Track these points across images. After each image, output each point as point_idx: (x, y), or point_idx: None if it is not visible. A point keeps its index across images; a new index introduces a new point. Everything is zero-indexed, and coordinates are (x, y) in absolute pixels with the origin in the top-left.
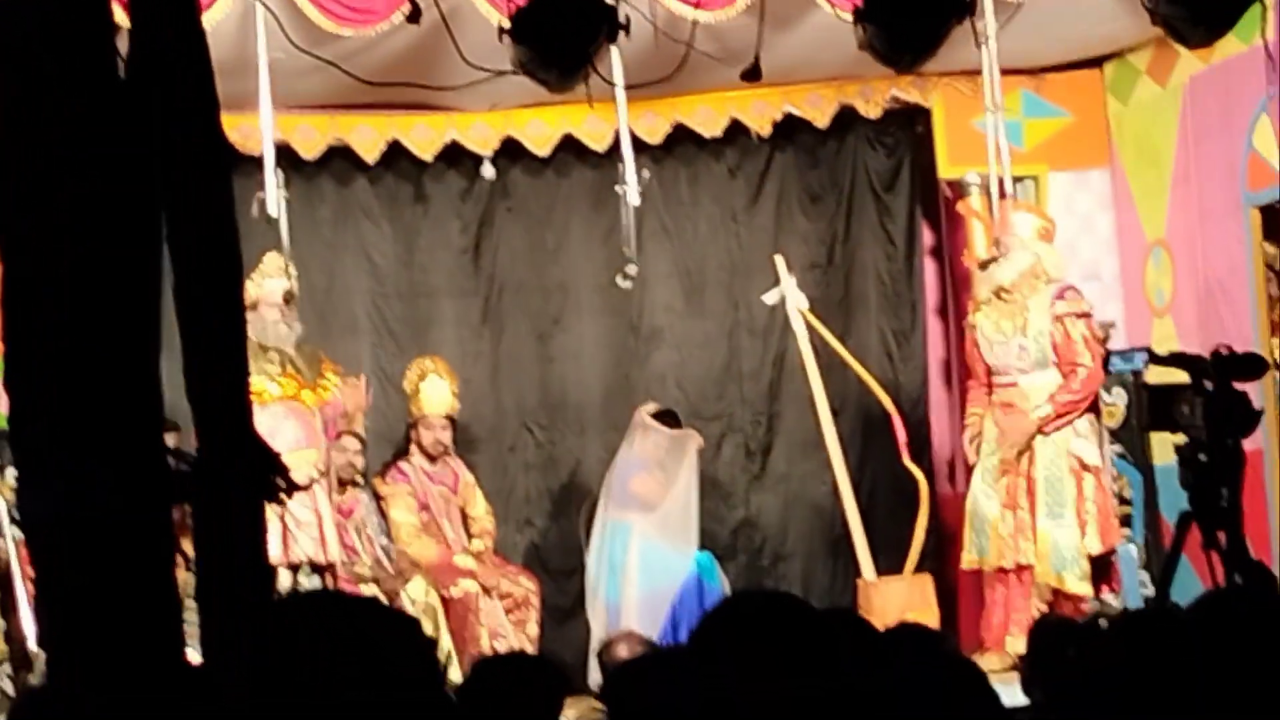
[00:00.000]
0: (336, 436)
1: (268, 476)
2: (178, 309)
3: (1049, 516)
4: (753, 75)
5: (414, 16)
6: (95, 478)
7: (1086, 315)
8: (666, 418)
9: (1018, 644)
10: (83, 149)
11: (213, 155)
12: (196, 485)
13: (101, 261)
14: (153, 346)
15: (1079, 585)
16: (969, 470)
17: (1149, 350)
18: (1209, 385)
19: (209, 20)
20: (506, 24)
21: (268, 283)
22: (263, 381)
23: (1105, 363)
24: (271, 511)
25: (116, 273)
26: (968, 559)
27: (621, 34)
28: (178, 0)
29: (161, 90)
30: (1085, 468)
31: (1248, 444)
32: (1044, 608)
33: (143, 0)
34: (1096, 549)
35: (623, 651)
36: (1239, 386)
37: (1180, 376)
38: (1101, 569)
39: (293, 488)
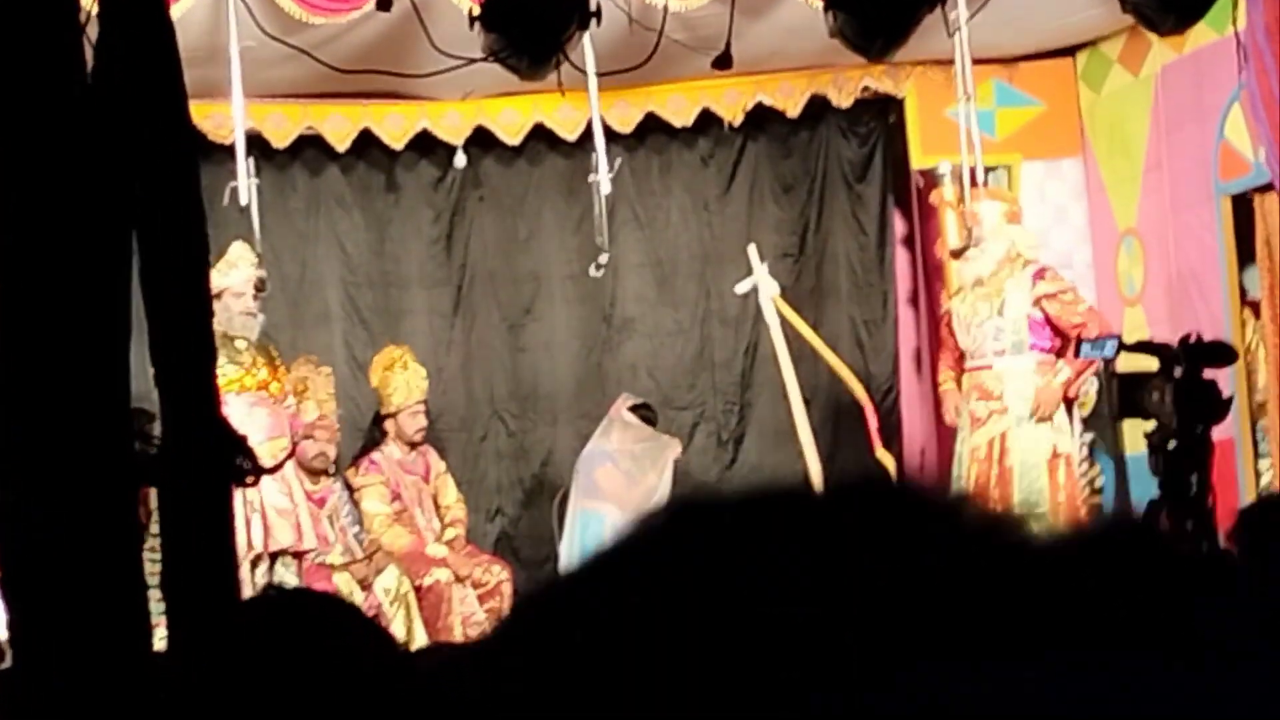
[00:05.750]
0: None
1: (235, 461)
2: (145, 296)
3: (1023, 506)
4: (724, 63)
5: (385, 4)
6: (61, 464)
7: (1071, 289)
8: (643, 410)
9: None
10: (47, 138)
11: (180, 143)
12: (162, 470)
13: (69, 248)
14: (122, 333)
15: None
16: (942, 450)
17: (1119, 338)
18: (1179, 373)
19: (180, 8)
20: (477, 11)
21: (234, 272)
22: (235, 371)
23: (1077, 349)
24: (252, 500)
25: (84, 260)
26: None
27: (593, 22)
28: None
29: (128, 79)
30: (1058, 455)
31: (1219, 433)
32: None
33: None
34: None
35: None
36: (1208, 374)
37: (1150, 364)
38: None
39: (260, 472)
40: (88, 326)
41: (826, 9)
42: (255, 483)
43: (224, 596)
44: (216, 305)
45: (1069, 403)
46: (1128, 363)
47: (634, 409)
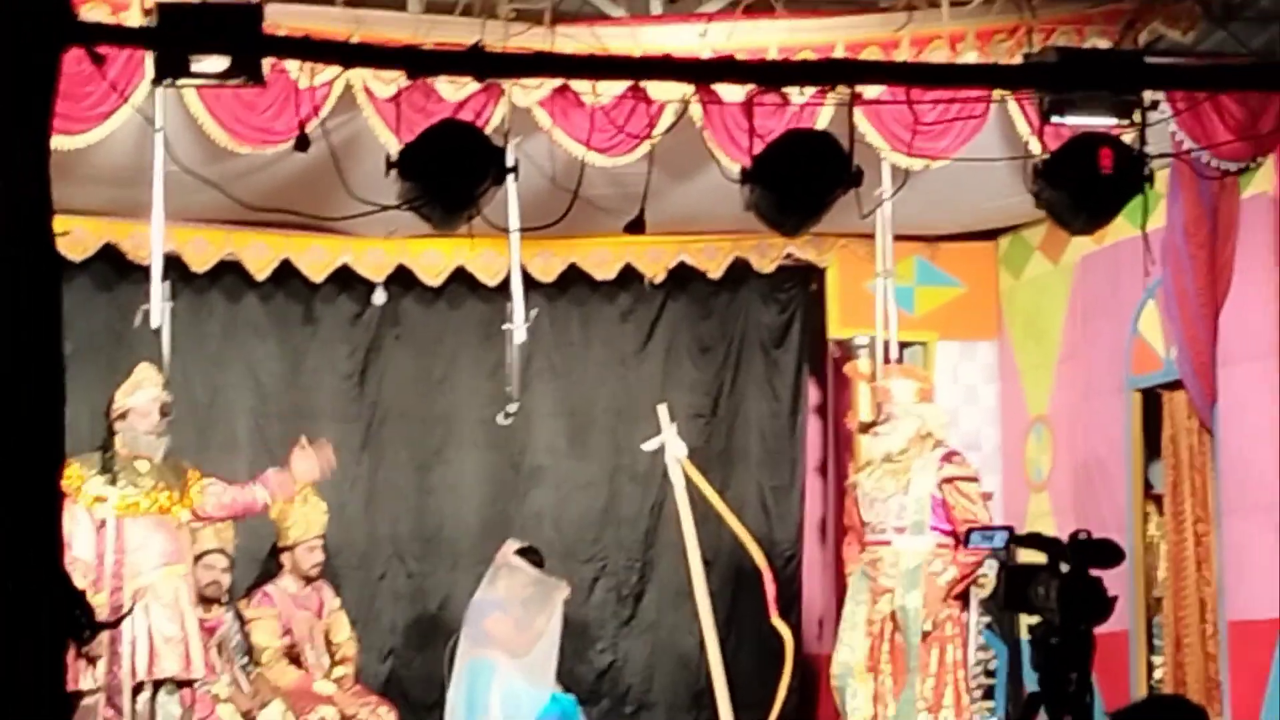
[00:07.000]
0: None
1: (72, 614)
2: None
3: (907, 683)
4: (636, 228)
5: (301, 144)
6: None
7: (975, 479)
8: (530, 554)
9: None
10: None
11: (42, 267)
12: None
13: None
14: None
15: None
16: (840, 621)
17: (1010, 530)
18: (1065, 569)
19: (106, 128)
20: (394, 156)
21: (139, 393)
22: (134, 494)
23: (967, 539)
24: (139, 626)
25: None
26: None
27: (511, 177)
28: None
29: None
30: (933, 637)
31: (1113, 625)
32: None
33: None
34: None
35: None
36: (1098, 571)
37: (1041, 557)
38: None
39: (98, 628)
40: None
41: (742, 183)
42: (92, 639)
43: None
44: (121, 425)
45: (963, 594)
46: (1023, 553)
47: (520, 552)
